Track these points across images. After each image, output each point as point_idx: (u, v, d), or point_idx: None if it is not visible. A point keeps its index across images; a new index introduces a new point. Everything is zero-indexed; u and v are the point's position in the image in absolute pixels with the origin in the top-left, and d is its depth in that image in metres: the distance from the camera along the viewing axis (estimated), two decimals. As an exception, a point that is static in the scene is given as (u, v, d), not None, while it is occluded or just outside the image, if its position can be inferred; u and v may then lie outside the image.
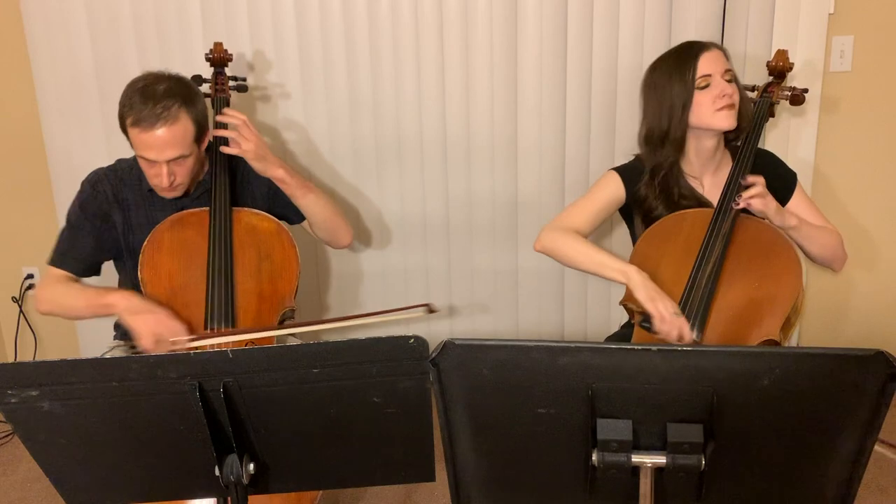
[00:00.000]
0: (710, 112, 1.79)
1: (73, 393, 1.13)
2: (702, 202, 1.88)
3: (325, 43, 2.41)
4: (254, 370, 1.13)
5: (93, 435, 1.18)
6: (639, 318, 1.74)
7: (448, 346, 1.07)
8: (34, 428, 1.18)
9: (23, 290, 2.76)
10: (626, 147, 2.34)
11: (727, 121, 1.80)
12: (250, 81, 2.37)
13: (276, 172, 1.91)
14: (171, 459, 1.22)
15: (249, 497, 1.24)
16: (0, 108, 2.60)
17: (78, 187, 1.95)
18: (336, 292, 2.67)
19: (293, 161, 2.52)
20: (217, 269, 1.84)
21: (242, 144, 1.87)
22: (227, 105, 2.12)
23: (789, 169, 1.94)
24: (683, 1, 2.29)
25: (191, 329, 1.80)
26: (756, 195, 1.73)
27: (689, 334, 1.68)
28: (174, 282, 1.84)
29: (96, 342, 2.53)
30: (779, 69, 2.05)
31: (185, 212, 1.91)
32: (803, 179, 2.38)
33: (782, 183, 1.89)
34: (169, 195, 1.89)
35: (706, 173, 1.91)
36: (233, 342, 1.75)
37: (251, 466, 1.21)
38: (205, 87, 2.11)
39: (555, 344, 1.05)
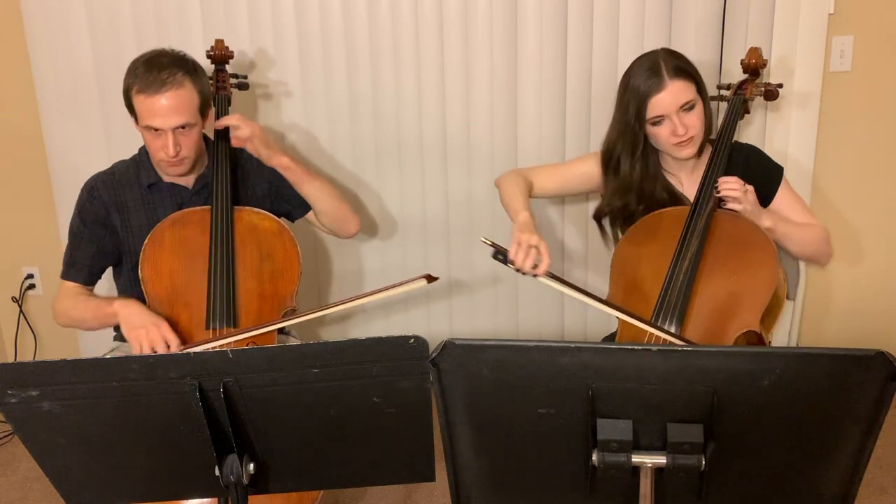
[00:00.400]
0: (668, 145, 1.82)
1: (73, 393, 1.13)
2: (681, 200, 1.89)
3: (324, 43, 2.41)
4: (254, 370, 1.13)
5: (93, 435, 1.18)
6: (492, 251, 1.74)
7: (448, 346, 1.07)
8: (34, 428, 1.18)
9: (23, 290, 2.76)
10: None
11: (685, 152, 1.83)
12: (251, 80, 2.36)
13: (280, 160, 1.94)
14: (171, 459, 1.22)
15: (250, 497, 1.24)
16: (0, 108, 2.60)
17: (78, 187, 1.95)
18: (337, 292, 2.67)
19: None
20: (218, 268, 1.84)
21: (245, 128, 1.88)
22: (229, 102, 2.12)
23: (775, 164, 1.94)
24: (683, 1, 2.29)
25: (189, 336, 1.80)
26: (732, 189, 1.74)
27: (545, 262, 1.68)
28: (175, 280, 1.84)
29: (96, 342, 2.52)
30: (752, 66, 2.06)
31: (186, 210, 1.90)
32: (803, 179, 2.39)
33: (766, 178, 1.89)
34: (174, 171, 1.89)
35: (683, 171, 1.93)
36: (230, 343, 1.75)
37: (251, 466, 1.21)
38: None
39: (555, 344, 1.05)
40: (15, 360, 2.80)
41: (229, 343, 1.74)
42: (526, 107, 2.43)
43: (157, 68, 1.76)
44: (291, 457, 1.24)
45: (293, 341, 2.08)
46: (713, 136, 1.92)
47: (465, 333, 2.65)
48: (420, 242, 2.58)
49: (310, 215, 2.08)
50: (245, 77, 2.26)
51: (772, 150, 2.23)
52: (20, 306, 2.78)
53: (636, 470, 1.11)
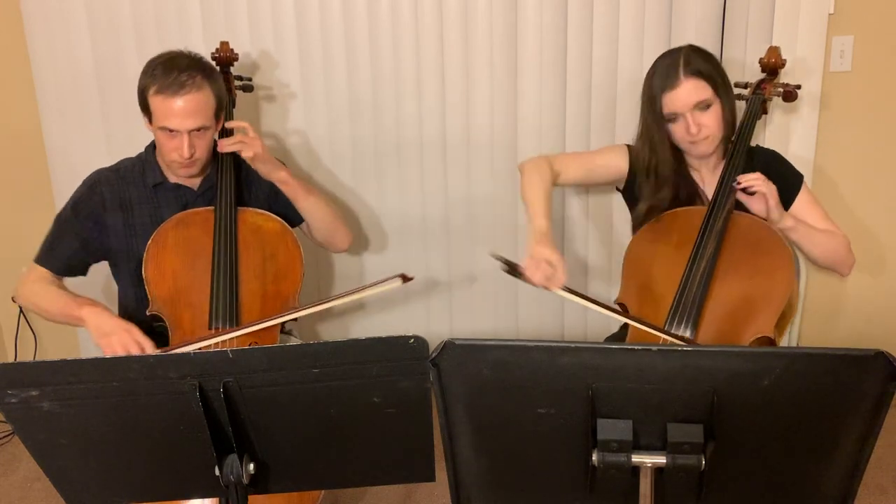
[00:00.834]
0: (683, 142, 1.82)
1: (73, 393, 1.13)
2: (702, 200, 1.88)
3: (324, 43, 2.41)
4: (254, 370, 1.13)
5: (93, 435, 1.18)
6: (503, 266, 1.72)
7: (448, 346, 1.07)
8: (34, 428, 1.18)
9: (23, 290, 2.76)
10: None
11: (700, 151, 1.83)
12: (255, 81, 2.36)
13: (279, 175, 1.94)
14: (172, 459, 1.22)
15: (250, 497, 1.24)
16: (0, 108, 2.60)
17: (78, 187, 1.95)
18: (337, 292, 2.67)
19: (294, 161, 2.52)
20: (221, 269, 1.84)
21: (248, 149, 1.88)
22: (233, 105, 2.12)
23: (795, 171, 1.93)
24: (683, 1, 2.29)
25: (182, 335, 1.80)
26: (755, 180, 1.73)
27: (560, 277, 1.64)
28: (178, 281, 1.84)
29: (96, 342, 2.53)
30: (771, 66, 2.05)
31: (189, 211, 1.91)
32: (803, 180, 2.39)
33: (785, 184, 1.87)
34: (186, 172, 1.89)
35: (704, 167, 1.92)
36: (225, 342, 1.75)
37: (251, 466, 1.21)
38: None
39: (555, 344, 1.05)
40: (15, 360, 2.80)
41: (220, 342, 1.74)
42: (526, 107, 2.43)
43: (177, 70, 1.76)
44: (291, 457, 1.24)
45: (294, 341, 2.08)
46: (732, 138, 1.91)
47: (465, 333, 2.65)
48: (420, 242, 2.58)
49: (304, 226, 2.09)
50: (250, 79, 2.26)
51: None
52: (20, 306, 2.77)
53: (636, 470, 1.11)
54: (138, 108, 1.85)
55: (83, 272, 1.98)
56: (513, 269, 1.67)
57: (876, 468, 2.29)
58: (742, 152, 1.85)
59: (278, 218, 1.94)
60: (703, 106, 1.78)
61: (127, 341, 1.72)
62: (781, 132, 2.40)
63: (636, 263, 1.81)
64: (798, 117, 2.38)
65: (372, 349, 1.12)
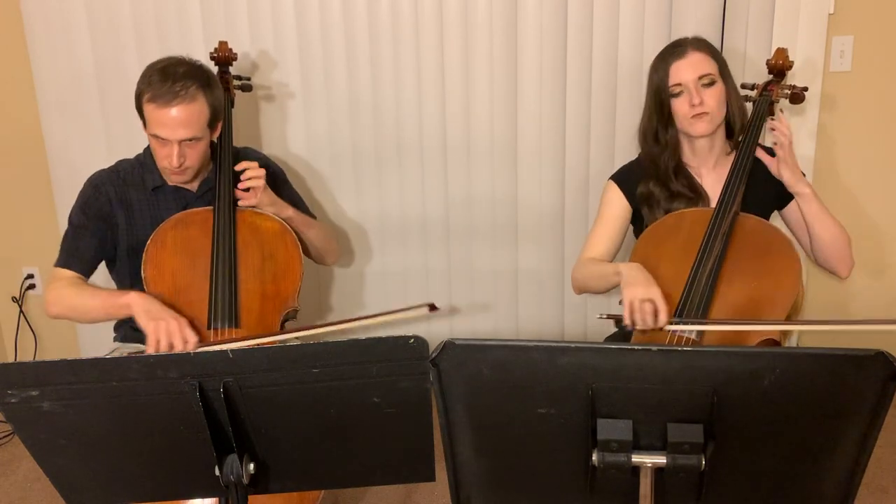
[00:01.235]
0: (685, 119, 1.83)
1: (73, 393, 1.13)
2: (700, 194, 1.88)
3: (325, 44, 2.41)
4: (254, 370, 1.13)
5: (93, 435, 1.18)
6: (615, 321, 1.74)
7: (448, 346, 1.07)
8: (34, 428, 1.18)
9: (23, 290, 2.76)
10: (627, 146, 2.34)
11: (699, 128, 1.83)
12: (254, 80, 2.36)
13: (286, 213, 1.97)
14: (172, 459, 1.22)
15: (250, 497, 1.24)
16: (0, 108, 2.60)
17: (78, 187, 1.95)
18: (337, 293, 2.67)
19: (294, 161, 2.52)
20: (221, 269, 1.85)
21: (251, 200, 1.91)
22: (232, 105, 2.12)
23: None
24: (683, 1, 2.29)
25: (201, 335, 1.80)
26: (783, 133, 1.78)
27: (664, 318, 1.65)
28: (177, 281, 1.84)
29: (96, 342, 2.53)
30: (778, 67, 2.04)
31: (189, 211, 1.91)
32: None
33: None
34: (177, 179, 1.89)
35: (704, 166, 1.92)
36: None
37: (251, 466, 1.21)
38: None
39: (555, 344, 1.05)
40: (15, 360, 2.80)
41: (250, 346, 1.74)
42: (526, 107, 2.43)
43: (172, 79, 1.76)
44: (291, 457, 1.24)
45: (294, 341, 2.08)
46: (739, 138, 1.92)
47: (465, 333, 2.65)
48: (420, 242, 2.58)
49: None
50: (248, 79, 2.26)
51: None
52: (20, 306, 2.78)
53: (636, 470, 1.11)
54: (137, 109, 1.85)
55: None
56: (620, 323, 1.69)
57: (876, 468, 2.29)
58: (750, 153, 1.85)
59: (277, 218, 1.94)
60: (708, 81, 1.81)
61: (174, 329, 1.72)
62: (781, 132, 2.40)
63: (642, 264, 1.81)
64: (798, 117, 2.38)
65: (372, 349, 1.12)
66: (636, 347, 1.05)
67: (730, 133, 1.93)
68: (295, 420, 1.19)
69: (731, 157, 1.89)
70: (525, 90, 2.41)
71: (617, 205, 1.96)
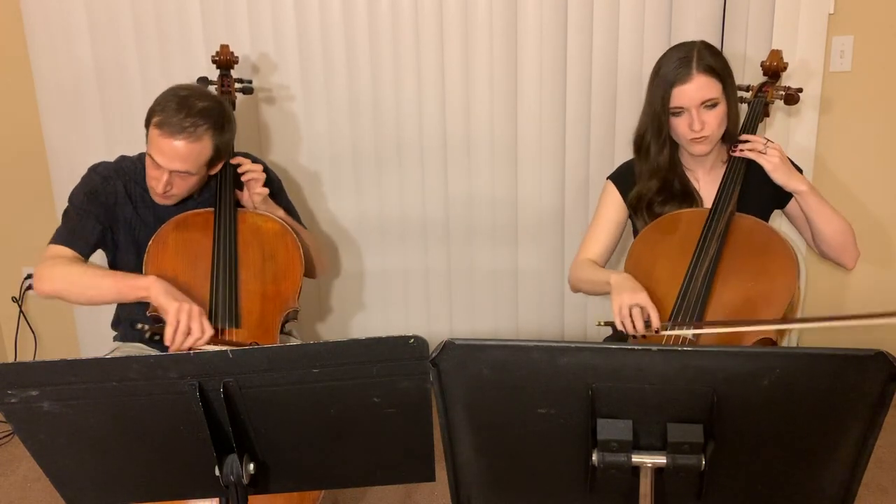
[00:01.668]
0: (684, 138, 1.82)
1: (73, 393, 1.13)
2: (694, 197, 1.88)
3: (325, 44, 2.41)
4: (254, 370, 1.13)
5: (93, 435, 1.18)
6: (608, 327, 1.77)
7: (448, 346, 1.07)
8: (34, 428, 1.18)
9: (23, 290, 2.76)
10: (627, 146, 2.34)
11: (697, 150, 1.83)
12: (255, 83, 2.36)
13: (277, 214, 1.98)
14: (171, 459, 1.22)
15: (250, 497, 1.24)
16: (0, 108, 2.60)
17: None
18: (337, 293, 2.67)
19: (294, 162, 2.53)
20: (221, 270, 1.85)
21: (253, 195, 1.92)
22: (233, 107, 2.12)
23: (795, 165, 1.93)
24: (683, 1, 2.29)
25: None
26: (751, 150, 1.78)
27: (656, 321, 1.66)
28: (178, 281, 1.84)
29: (96, 342, 2.53)
30: (773, 69, 2.05)
31: (190, 212, 1.91)
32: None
33: None
34: (159, 201, 1.89)
35: (700, 169, 1.92)
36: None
37: (251, 466, 1.21)
38: (210, 89, 2.11)
39: (555, 344, 1.05)
40: (15, 360, 2.80)
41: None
42: (526, 106, 2.43)
43: (186, 111, 1.75)
44: (291, 457, 1.24)
45: (294, 341, 2.08)
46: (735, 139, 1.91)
47: (465, 333, 2.65)
48: (420, 242, 2.58)
49: None
50: (250, 82, 2.26)
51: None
52: (20, 306, 2.78)
53: (636, 470, 1.11)
54: (138, 109, 1.86)
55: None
56: (615, 329, 1.72)
57: (876, 468, 2.29)
58: (743, 158, 1.85)
59: (278, 219, 1.94)
60: (711, 104, 1.78)
61: (195, 314, 1.71)
62: (781, 132, 2.40)
63: (638, 265, 1.81)
64: (798, 117, 2.38)
65: (372, 349, 1.12)
66: (636, 347, 1.05)
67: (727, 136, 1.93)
68: (295, 420, 1.19)
69: (726, 161, 1.89)
70: (525, 90, 2.41)
71: (614, 205, 1.96)
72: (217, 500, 1.45)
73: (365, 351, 1.12)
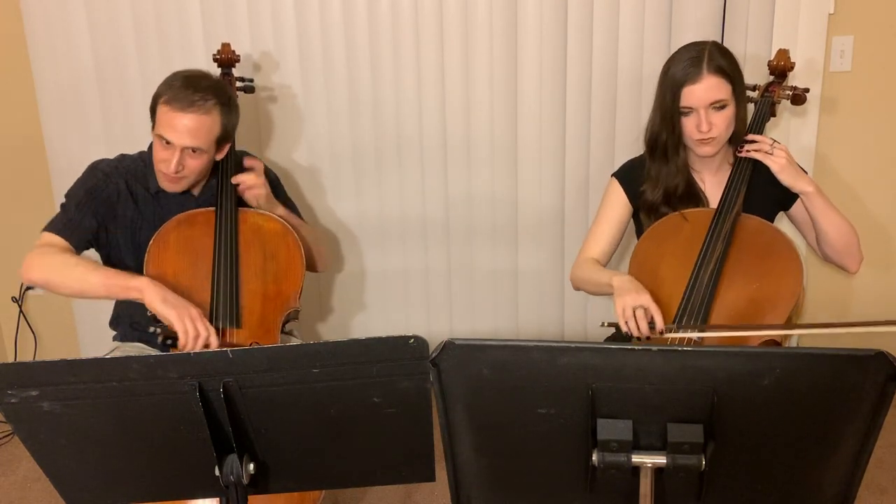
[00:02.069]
0: (690, 138, 1.82)
1: (74, 393, 1.13)
2: (700, 198, 1.88)
3: (325, 44, 2.41)
4: (254, 370, 1.13)
5: (93, 435, 1.18)
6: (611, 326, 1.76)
7: (448, 346, 1.07)
8: (34, 428, 1.18)
9: (23, 290, 2.76)
10: (627, 146, 2.34)
11: (704, 151, 1.82)
12: (256, 82, 2.36)
13: (278, 211, 1.99)
14: (171, 459, 1.22)
15: (250, 497, 1.24)
16: (0, 108, 2.60)
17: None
18: (338, 293, 2.67)
19: (294, 162, 2.52)
20: (222, 269, 1.85)
21: (255, 195, 1.93)
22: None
23: (801, 168, 1.92)
24: (683, 1, 2.29)
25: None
26: (757, 150, 1.77)
27: (660, 323, 1.66)
28: (179, 281, 1.84)
29: (96, 342, 2.53)
30: (780, 69, 2.04)
31: (191, 211, 1.91)
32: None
33: None
34: (170, 186, 1.88)
35: (706, 170, 1.92)
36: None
37: (251, 466, 1.21)
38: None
39: (555, 344, 1.05)
40: (15, 360, 2.80)
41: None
42: (526, 106, 2.43)
43: (193, 88, 1.77)
44: (291, 457, 1.24)
45: (294, 341, 2.08)
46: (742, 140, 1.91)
47: (465, 333, 2.65)
48: (420, 242, 2.58)
49: None
50: (251, 80, 2.26)
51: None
52: (20, 306, 2.78)
53: (636, 470, 1.11)
54: (138, 109, 1.86)
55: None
56: (619, 331, 1.71)
57: (876, 468, 2.29)
58: (749, 159, 1.84)
59: (279, 218, 1.94)
60: (719, 106, 1.77)
61: (196, 315, 1.70)
62: (782, 132, 2.40)
63: (643, 265, 1.80)
64: (798, 117, 2.38)
65: (372, 349, 1.12)
66: (636, 348, 1.05)
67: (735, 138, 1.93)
68: (295, 420, 1.19)
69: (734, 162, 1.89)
70: (525, 90, 2.41)
71: (618, 203, 1.95)
72: (217, 500, 1.45)
73: (365, 351, 1.12)
